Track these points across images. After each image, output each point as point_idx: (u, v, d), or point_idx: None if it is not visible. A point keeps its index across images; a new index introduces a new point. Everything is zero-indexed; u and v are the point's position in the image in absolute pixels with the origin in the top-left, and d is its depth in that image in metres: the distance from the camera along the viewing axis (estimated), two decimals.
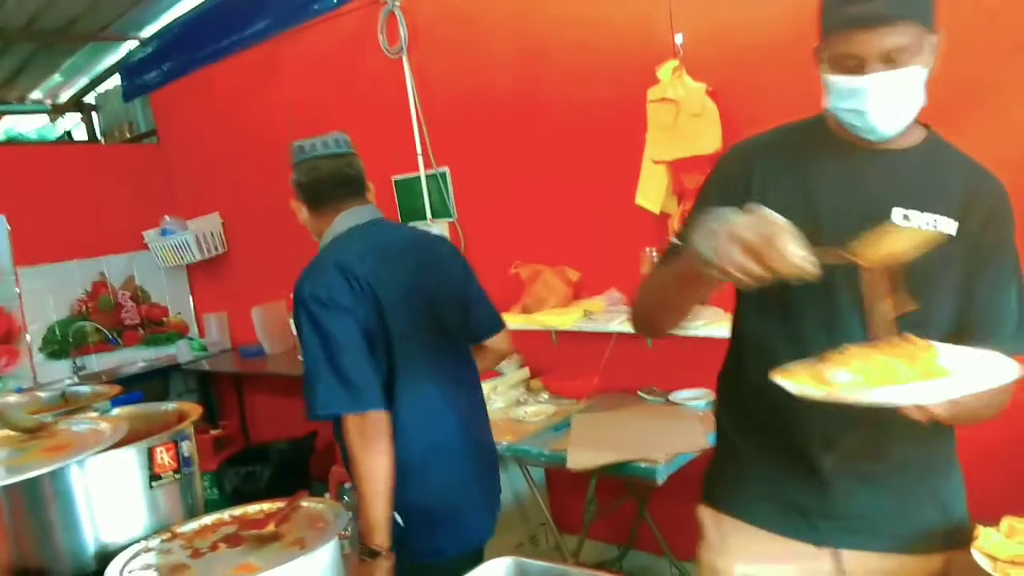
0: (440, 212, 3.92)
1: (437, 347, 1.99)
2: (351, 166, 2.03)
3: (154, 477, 1.51)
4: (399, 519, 1.88)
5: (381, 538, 1.76)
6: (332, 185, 2.01)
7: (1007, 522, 1.38)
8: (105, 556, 1.37)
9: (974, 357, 1.15)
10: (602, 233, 3.25)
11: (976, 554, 1.32)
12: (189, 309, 5.57)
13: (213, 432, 4.89)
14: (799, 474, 1.45)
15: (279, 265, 4.68)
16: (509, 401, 3.34)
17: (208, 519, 1.49)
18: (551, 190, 3.42)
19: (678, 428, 2.71)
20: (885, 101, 1.26)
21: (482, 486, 2.07)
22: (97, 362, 5.03)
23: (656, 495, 3.24)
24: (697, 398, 2.98)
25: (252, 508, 1.49)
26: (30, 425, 1.59)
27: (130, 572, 1.31)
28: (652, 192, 2.88)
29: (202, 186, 5.29)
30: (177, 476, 1.55)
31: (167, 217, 5.13)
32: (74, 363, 4.88)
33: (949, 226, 1.32)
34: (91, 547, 1.44)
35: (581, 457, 2.60)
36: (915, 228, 1.26)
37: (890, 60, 1.23)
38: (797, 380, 1.13)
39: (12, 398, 1.97)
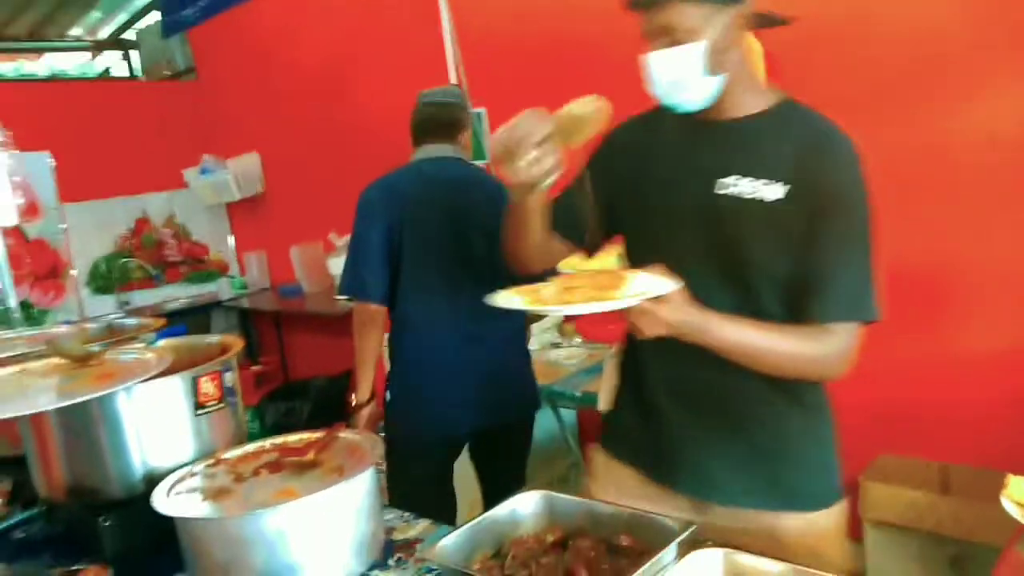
0: (476, 154, 3.88)
1: (453, 267, 2.32)
2: (448, 114, 2.41)
3: (199, 406, 1.56)
4: (388, 395, 2.40)
5: (362, 394, 2.35)
6: (427, 126, 2.41)
7: None
8: (153, 479, 1.43)
9: (652, 283, 1.26)
10: None
11: (1006, 502, 1.32)
12: (229, 248, 5.66)
13: (254, 368, 5.03)
14: (653, 419, 1.55)
15: (317, 205, 4.73)
16: (543, 344, 3.37)
17: (251, 447, 1.54)
18: None
19: None
20: (663, 77, 1.35)
21: (471, 391, 2.34)
22: (141, 298, 5.16)
23: None
24: None
25: (292, 437, 1.54)
26: (80, 354, 1.65)
27: (176, 494, 1.37)
28: None
29: (241, 124, 5.32)
30: (221, 405, 1.60)
31: (206, 156, 5.18)
32: (119, 298, 5.01)
33: (776, 191, 1.34)
34: (139, 471, 1.50)
35: (612, 399, 2.62)
36: (591, 107, 1.33)
37: (669, 38, 1.31)
38: (506, 296, 1.32)
39: (62, 329, 2.03)
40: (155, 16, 5.79)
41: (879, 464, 2.71)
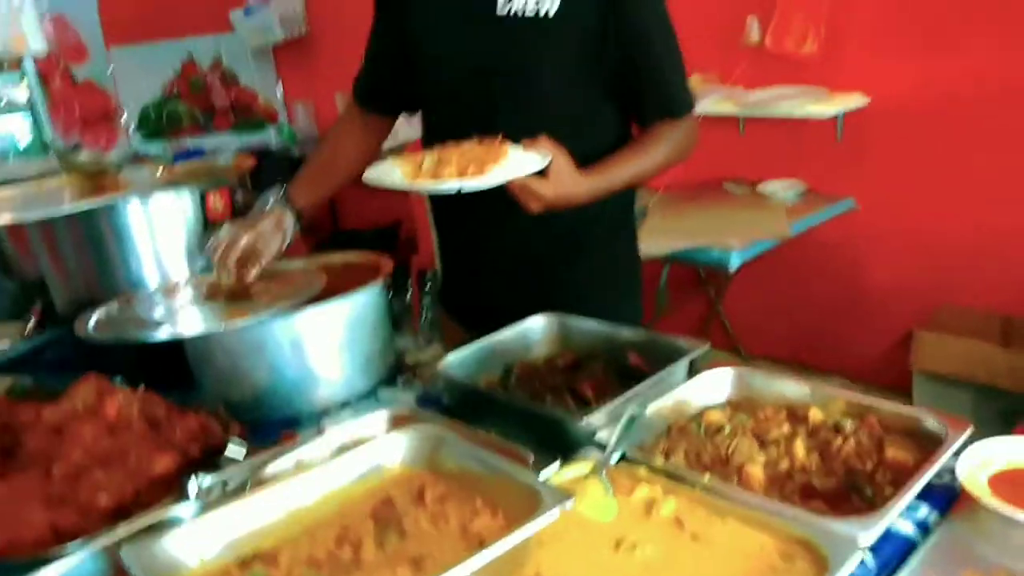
0: None
1: None
2: None
3: (209, 221, 1.51)
4: None
5: None
6: None
7: None
8: None
9: (525, 158, 1.22)
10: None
11: None
12: (277, 96, 5.55)
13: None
14: (472, 269, 1.56)
15: (363, 47, 4.56)
16: None
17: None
18: None
19: (759, 216, 2.57)
20: None
21: None
22: (191, 145, 5.14)
23: (731, 290, 3.17)
24: (787, 189, 2.80)
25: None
26: (91, 168, 1.62)
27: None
28: None
29: None
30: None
31: None
32: (169, 144, 5.01)
33: (551, 5, 1.28)
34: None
35: (652, 243, 2.51)
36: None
37: None
38: (385, 168, 1.26)
39: (84, 154, 2.01)
40: None
41: (937, 314, 2.57)
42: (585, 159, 1.34)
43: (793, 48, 2.60)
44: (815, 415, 0.97)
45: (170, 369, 1.37)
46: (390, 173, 1.25)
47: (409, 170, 1.24)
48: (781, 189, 2.79)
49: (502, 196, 1.22)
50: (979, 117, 2.45)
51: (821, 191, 2.80)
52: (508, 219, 1.32)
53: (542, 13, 1.29)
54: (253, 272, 1.31)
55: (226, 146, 5.20)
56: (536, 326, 1.32)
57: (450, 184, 1.18)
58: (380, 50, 1.55)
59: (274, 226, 1.38)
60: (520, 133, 1.29)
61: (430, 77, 1.46)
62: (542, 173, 1.23)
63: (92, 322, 1.29)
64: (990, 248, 2.51)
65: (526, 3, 1.30)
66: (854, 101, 2.60)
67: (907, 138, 2.61)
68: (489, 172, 1.18)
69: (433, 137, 1.51)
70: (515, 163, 1.22)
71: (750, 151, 2.93)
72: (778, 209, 2.61)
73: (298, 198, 1.47)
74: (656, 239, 2.50)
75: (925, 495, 0.84)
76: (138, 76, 4.89)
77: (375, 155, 1.65)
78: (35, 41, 2.74)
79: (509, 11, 1.30)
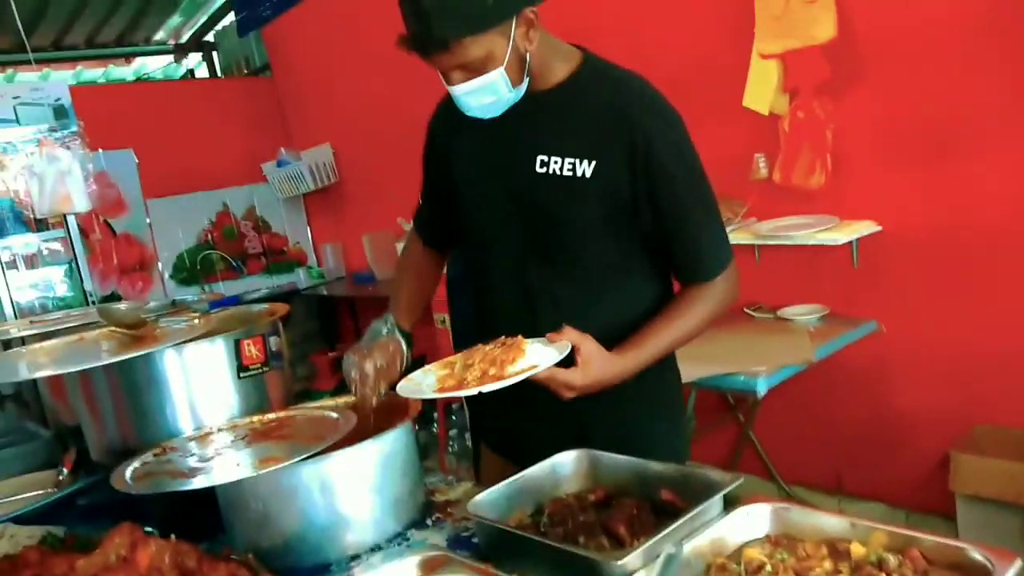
0: None
1: None
2: None
3: (243, 368, 1.55)
4: None
5: None
6: None
7: None
8: None
9: (543, 354, 1.28)
10: (707, 140, 3.04)
11: None
12: (307, 238, 5.78)
13: (331, 354, 5.11)
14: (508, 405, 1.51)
15: (388, 193, 4.75)
16: None
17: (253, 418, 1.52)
18: None
19: (784, 342, 2.57)
20: (473, 102, 1.33)
21: None
22: (224, 288, 5.31)
23: (762, 414, 3.12)
24: (809, 313, 2.81)
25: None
26: (131, 321, 1.67)
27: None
28: (761, 91, 2.68)
29: (314, 116, 5.41)
30: (266, 368, 1.59)
31: (283, 149, 5.29)
32: (203, 289, 5.17)
33: (587, 168, 1.35)
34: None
35: None
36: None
37: (466, 71, 1.29)
38: (415, 381, 1.35)
39: (123, 305, 2.08)
40: (233, 17, 5.94)
41: (973, 435, 2.50)
42: (623, 311, 1.40)
43: (800, 181, 2.69)
44: (857, 550, 0.95)
45: (201, 514, 1.39)
46: (422, 382, 1.34)
47: (443, 374, 1.33)
48: (803, 313, 2.81)
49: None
50: (996, 233, 2.46)
51: (843, 314, 2.81)
52: None
53: (578, 174, 1.35)
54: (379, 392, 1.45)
55: (257, 288, 5.37)
56: (566, 461, 1.32)
57: (470, 390, 1.25)
58: (430, 193, 1.65)
59: (392, 352, 1.50)
60: (552, 283, 1.38)
61: (471, 226, 1.53)
62: (570, 362, 1.27)
63: (128, 474, 1.30)
64: (1022, 365, 2.47)
65: (562, 165, 1.36)
66: (864, 228, 2.65)
67: (925, 260, 2.63)
68: (506, 374, 1.25)
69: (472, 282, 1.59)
70: (530, 361, 1.27)
71: (768, 278, 2.97)
72: (802, 334, 2.62)
73: (404, 324, 1.57)
74: (681, 366, 2.50)
75: None
76: (174, 225, 5.13)
77: (441, 273, 1.78)
78: (80, 202, 2.91)
79: (546, 170, 1.38)
